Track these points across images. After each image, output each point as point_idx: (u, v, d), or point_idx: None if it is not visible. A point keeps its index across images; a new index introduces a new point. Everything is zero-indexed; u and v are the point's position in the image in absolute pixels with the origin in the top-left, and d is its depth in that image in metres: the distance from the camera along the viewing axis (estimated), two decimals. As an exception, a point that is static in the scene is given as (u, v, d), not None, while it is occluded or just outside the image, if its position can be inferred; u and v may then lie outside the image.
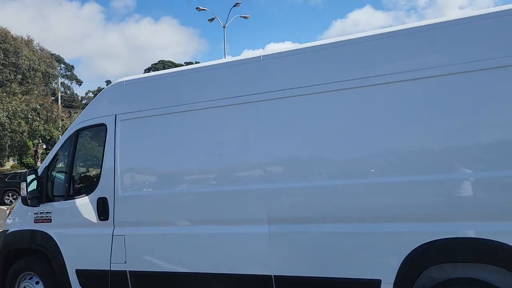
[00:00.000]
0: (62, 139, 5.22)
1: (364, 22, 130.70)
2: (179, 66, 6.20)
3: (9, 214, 5.51)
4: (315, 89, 3.79)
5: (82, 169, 5.99)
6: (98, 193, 4.71)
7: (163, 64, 74.59)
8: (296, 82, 3.88)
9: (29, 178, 4.92)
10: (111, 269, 4.60)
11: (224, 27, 30.10)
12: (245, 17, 30.25)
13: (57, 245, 4.90)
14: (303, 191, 3.82)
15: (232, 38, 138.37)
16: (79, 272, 4.82)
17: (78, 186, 5.25)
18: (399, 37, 3.60)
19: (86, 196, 4.79)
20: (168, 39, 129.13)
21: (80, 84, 73.40)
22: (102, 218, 4.64)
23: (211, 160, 4.24)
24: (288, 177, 3.90)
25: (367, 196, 3.58)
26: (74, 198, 4.89)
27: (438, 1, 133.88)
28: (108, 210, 4.61)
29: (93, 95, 68.24)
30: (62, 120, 34.49)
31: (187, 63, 79.67)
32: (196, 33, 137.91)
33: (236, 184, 4.09)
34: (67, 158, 5.04)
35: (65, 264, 4.85)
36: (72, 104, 61.58)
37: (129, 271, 4.53)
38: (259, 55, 4.16)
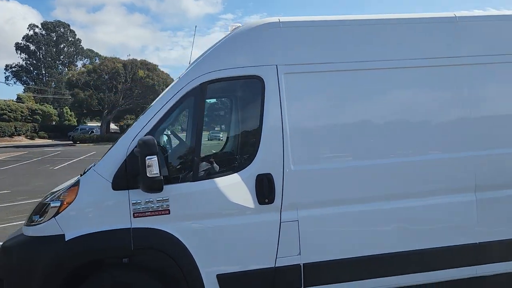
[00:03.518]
0: (171, 95, 3.66)
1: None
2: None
3: (56, 210, 3.49)
4: None
5: (217, 137, 4.62)
6: (256, 168, 3.67)
7: None
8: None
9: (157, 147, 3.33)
10: (276, 266, 3.67)
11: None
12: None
13: (184, 246, 3.53)
14: None
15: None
16: (222, 278, 3.62)
17: (214, 160, 4.06)
18: None
19: (235, 174, 3.68)
20: None
21: None
22: (266, 201, 3.64)
23: (415, 127, 3.93)
24: (500, 143, 3.96)
25: None
26: (210, 178, 3.68)
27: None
28: (275, 190, 3.65)
29: None
30: None
31: None
32: None
33: (444, 153, 3.95)
34: (191, 121, 3.82)
35: (198, 270, 3.56)
36: None
37: (304, 264, 3.72)
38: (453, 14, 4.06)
